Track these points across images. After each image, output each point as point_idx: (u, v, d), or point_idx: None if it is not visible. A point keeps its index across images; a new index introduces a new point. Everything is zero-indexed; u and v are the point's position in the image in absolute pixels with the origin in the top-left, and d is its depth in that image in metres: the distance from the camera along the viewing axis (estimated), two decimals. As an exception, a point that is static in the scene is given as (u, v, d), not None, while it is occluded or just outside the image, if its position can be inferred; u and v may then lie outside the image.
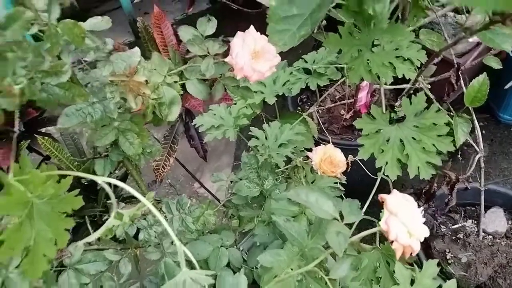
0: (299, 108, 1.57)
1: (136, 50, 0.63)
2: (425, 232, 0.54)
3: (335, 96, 1.47)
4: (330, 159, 0.77)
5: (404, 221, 0.52)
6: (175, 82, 0.64)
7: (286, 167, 0.87)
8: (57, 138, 1.42)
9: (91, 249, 0.72)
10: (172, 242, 0.76)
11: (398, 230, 0.52)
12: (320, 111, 1.36)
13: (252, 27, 0.55)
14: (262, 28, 0.55)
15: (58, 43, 0.48)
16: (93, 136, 0.63)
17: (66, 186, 0.48)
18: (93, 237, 0.47)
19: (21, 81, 0.41)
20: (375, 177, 0.91)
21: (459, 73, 1.14)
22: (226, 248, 0.85)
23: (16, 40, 0.43)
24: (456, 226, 1.40)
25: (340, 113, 1.45)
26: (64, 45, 0.51)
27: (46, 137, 1.38)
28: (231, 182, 0.94)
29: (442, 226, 1.42)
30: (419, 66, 0.81)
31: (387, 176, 0.82)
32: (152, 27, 1.50)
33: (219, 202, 1.25)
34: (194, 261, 0.43)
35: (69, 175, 0.48)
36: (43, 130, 1.45)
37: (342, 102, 1.38)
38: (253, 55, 0.55)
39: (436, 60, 1.17)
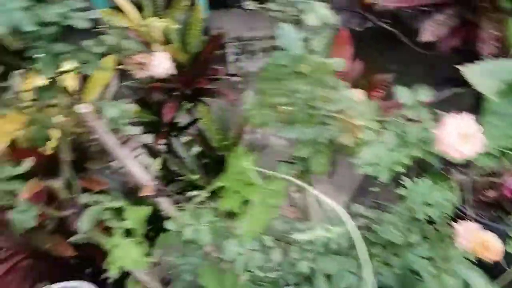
0: (442, 168, 1.59)
1: (355, 92, 0.76)
2: None
3: (484, 170, 1.47)
4: (484, 243, 0.81)
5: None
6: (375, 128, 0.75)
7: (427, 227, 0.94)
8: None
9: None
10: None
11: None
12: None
13: (466, 115, 0.64)
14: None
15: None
16: (293, 148, 0.77)
17: (281, 189, 0.62)
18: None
19: (294, 105, 0.56)
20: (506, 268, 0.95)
21: None
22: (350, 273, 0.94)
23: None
24: None
25: (483, 187, 1.45)
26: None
27: (204, 106, 1.65)
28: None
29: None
30: None
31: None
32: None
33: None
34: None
35: (285, 179, 0.63)
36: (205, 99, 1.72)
37: (490, 179, 1.39)
38: (461, 136, 0.63)
39: None
